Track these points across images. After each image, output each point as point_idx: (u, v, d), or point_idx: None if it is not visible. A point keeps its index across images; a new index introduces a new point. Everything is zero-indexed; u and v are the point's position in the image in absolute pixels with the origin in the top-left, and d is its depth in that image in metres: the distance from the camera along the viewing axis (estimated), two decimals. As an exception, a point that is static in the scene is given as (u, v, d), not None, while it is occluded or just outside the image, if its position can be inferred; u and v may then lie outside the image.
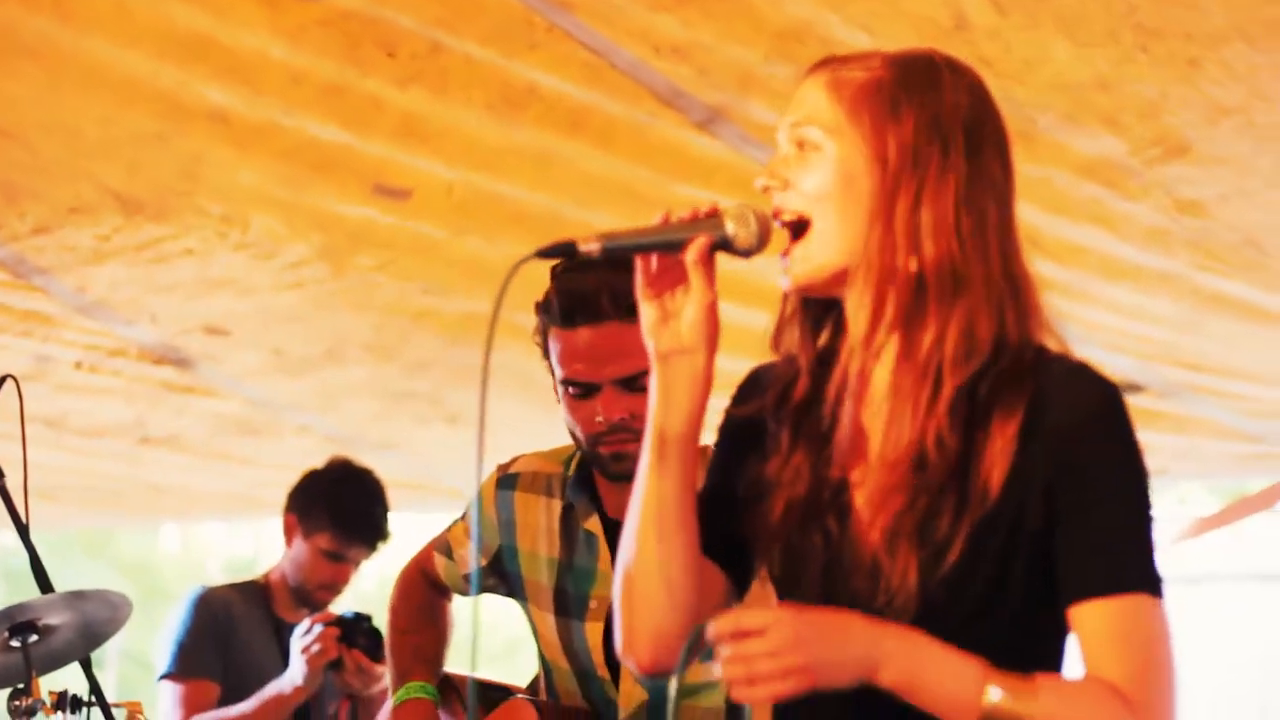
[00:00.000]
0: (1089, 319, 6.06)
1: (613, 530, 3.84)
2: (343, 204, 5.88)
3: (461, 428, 7.61)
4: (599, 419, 3.71)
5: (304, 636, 5.19)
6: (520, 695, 3.99)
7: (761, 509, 2.60)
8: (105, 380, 7.27)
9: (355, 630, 5.14)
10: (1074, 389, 2.48)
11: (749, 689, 2.32)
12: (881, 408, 2.53)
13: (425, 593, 4.15)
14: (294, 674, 5.21)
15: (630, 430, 3.68)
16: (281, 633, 5.51)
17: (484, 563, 3.99)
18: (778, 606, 2.55)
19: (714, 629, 2.32)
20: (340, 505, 5.57)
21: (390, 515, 5.69)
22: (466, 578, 4.09)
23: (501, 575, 3.99)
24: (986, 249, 2.50)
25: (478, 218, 5.87)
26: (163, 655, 5.47)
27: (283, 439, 7.84)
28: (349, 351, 7.15)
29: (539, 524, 3.94)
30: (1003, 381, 2.48)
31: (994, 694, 2.37)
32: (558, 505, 3.93)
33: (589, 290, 3.67)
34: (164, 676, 5.45)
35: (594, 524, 3.88)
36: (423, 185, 5.71)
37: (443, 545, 4.11)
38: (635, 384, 3.67)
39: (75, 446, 7.89)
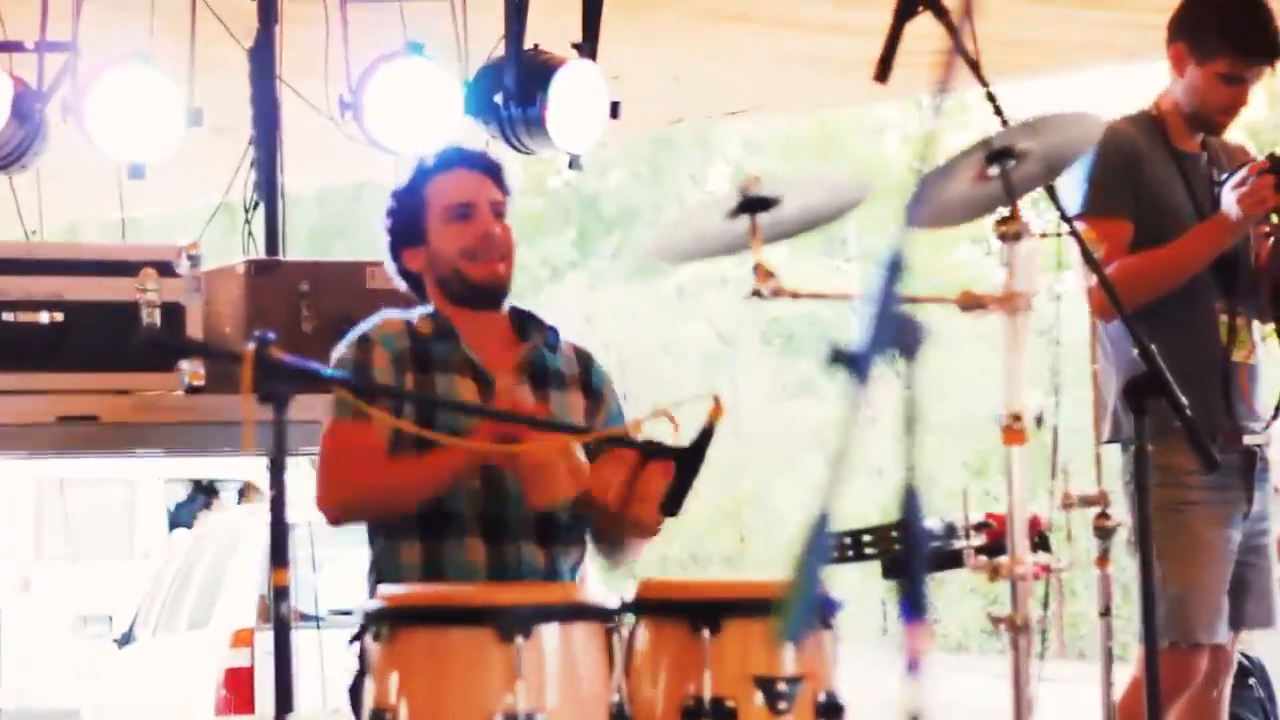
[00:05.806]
0: None
1: None
2: None
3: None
4: None
5: (1238, 187, 5.35)
6: None
7: None
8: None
9: None
10: None
11: None
12: None
13: None
14: (1230, 213, 5.37)
15: None
16: (1182, 164, 5.53)
17: None
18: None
19: None
20: (1233, 28, 5.45)
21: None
22: None
23: None
24: None
25: None
26: (1073, 195, 5.45)
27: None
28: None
29: None
30: None
31: None
32: None
33: None
34: (1077, 216, 5.37)
35: None
36: None
37: None
38: None
39: None
